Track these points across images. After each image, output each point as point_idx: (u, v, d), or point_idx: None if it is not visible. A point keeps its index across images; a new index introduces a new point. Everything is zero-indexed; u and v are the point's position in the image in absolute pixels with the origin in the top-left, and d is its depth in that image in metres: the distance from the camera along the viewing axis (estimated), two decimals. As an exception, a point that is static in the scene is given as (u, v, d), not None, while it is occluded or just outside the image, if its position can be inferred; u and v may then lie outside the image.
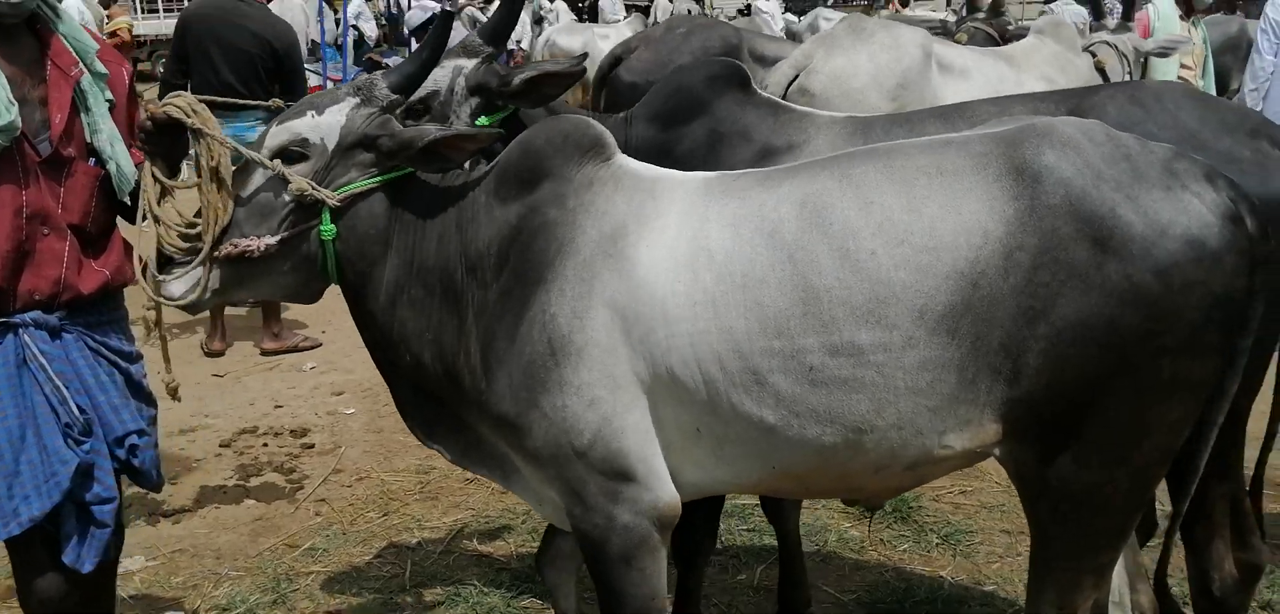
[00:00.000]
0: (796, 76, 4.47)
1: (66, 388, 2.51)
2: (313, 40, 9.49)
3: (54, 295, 2.52)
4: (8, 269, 2.45)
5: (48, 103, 2.50)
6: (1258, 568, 2.73)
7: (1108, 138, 2.18)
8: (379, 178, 2.42)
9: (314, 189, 2.37)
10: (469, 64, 2.90)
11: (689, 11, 12.69)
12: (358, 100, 2.45)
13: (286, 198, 2.38)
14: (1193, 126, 2.60)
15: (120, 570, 3.93)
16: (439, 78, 2.89)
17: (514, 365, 2.34)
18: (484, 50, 2.92)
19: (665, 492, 2.37)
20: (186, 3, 5.99)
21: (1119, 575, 2.65)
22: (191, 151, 2.41)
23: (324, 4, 11.29)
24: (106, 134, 2.54)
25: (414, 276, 2.47)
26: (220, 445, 5.19)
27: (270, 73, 6.01)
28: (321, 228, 2.42)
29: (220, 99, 5.35)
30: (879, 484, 2.37)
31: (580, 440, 2.32)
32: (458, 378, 2.46)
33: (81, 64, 2.54)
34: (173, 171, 2.46)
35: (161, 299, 2.43)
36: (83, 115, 2.55)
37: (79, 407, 2.51)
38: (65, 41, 2.54)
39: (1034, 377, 2.11)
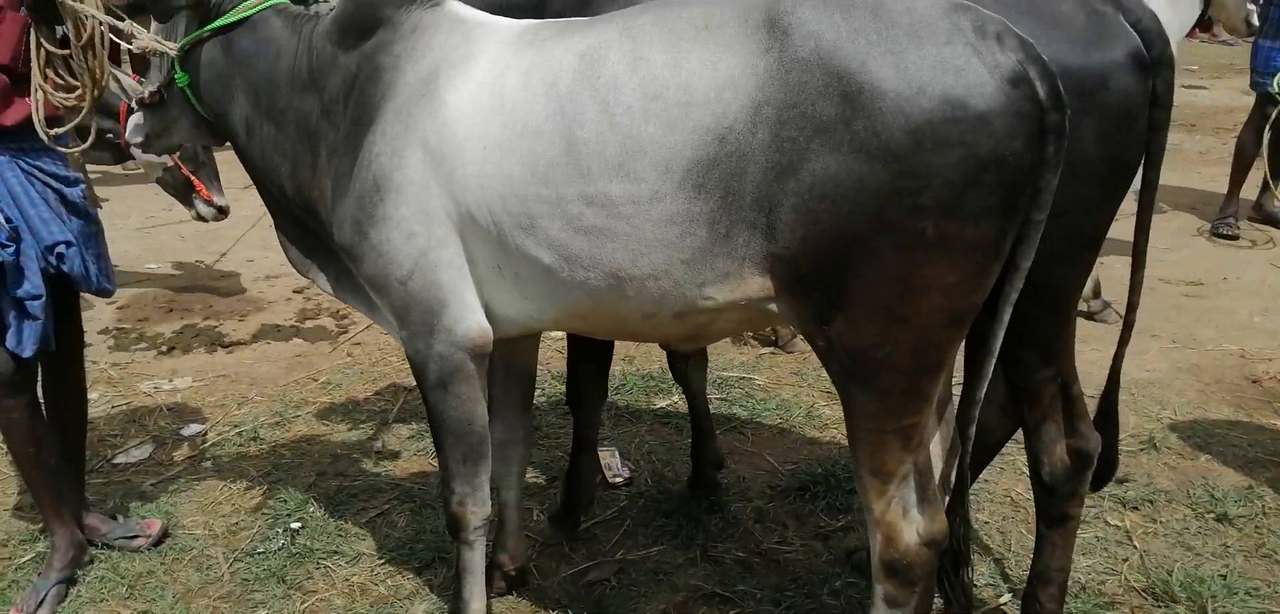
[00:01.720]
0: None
1: None
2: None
3: None
4: None
5: None
6: (1088, 456, 2.65)
7: None
8: (207, 28, 2.69)
9: (157, 42, 2.70)
10: None
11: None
12: None
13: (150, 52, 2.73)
14: (1031, -12, 2.49)
15: (167, 386, 4.57)
16: None
17: (351, 200, 2.57)
18: None
19: (476, 323, 2.56)
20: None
21: (933, 447, 2.64)
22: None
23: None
24: None
25: (264, 117, 2.74)
26: (293, 291, 5.74)
27: None
28: (176, 75, 2.76)
29: None
30: (654, 330, 2.46)
31: (401, 271, 2.54)
32: (315, 210, 2.74)
33: None
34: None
35: (52, 143, 2.90)
36: None
37: (7, 218, 2.96)
38: None
39: (788, 231, 2.12)
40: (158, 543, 3.44)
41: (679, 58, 2.20)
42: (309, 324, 5.33)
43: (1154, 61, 2.40)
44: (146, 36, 2.70)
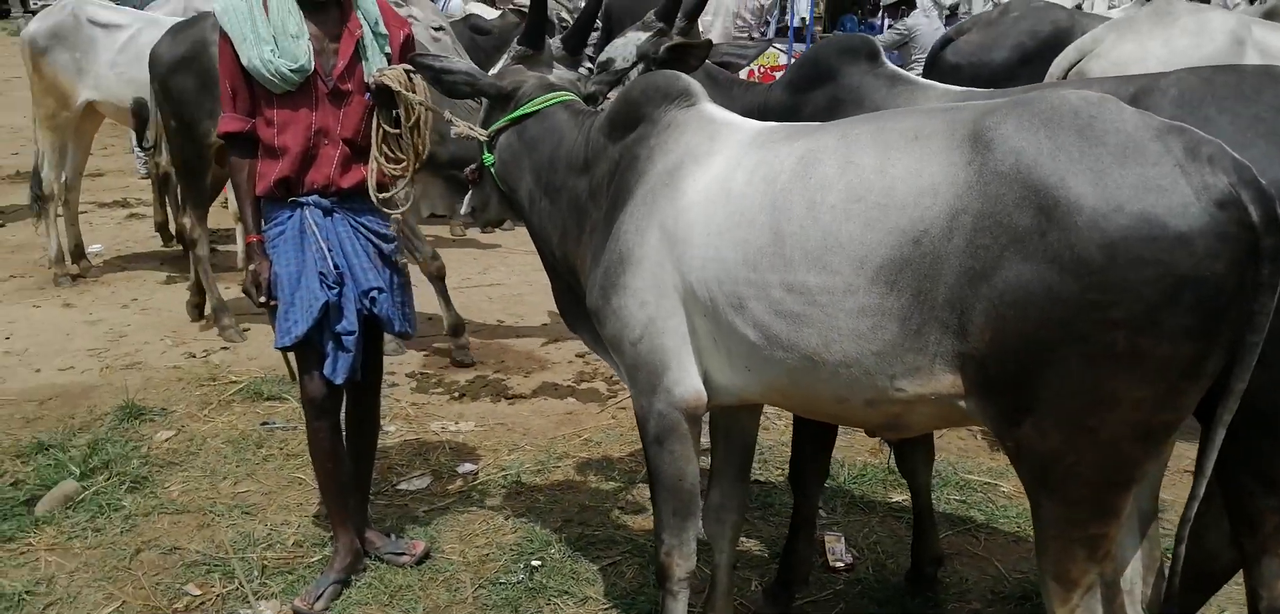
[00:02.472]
0: (1080, 60, 4.35)
1: (329, 250, 3.51)
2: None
3: (326, 186, 3.52)
4: (298, 166, 3.49)
5: (338, 53, 3.51)
6: (1312, 595, 2.49)
7: (1100, 114, 2.16)
8: (507, 117, 3.14)
9: (470, 129, 3.18)
10: (641, 36, 3.48)
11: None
12: (509, 57, 3.19)
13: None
14: (1267, 113, 2.41)
15: (453, 427, 5.10)
16: (618, 46, 3.51)
17: (601, 269, 2.90)
18: (655, 25, 3.48)
19: (692, 387, 2.79)
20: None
21: (1134, 565, 2.55)
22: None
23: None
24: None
25: (543, 192, 3.15)
26: (576, 355, 6.19)
27: None
28: (484, 157, 3.21)
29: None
30: (848, 414, 2.58)
31: (633, 334, 2.82)
32: (577, 274, 3.10)
33: (365, 25, 3.52)
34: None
35: (380, 206, 3.50)
36: (363, 62, 3.53)
37: (335, 264, 3.50)
38: (357, 10, 3.54)
39: (979, 333, 2.20)
40: (420, 562, 3.88)
41: (886, 163, 2.34)
42: (583, 386, 5.75)
43: None
44: (462, 124, 3.20)
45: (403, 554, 3.91)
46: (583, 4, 5.88)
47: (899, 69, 3.22)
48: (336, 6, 3.53)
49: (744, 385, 2.73)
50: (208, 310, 6.65)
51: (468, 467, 4.73)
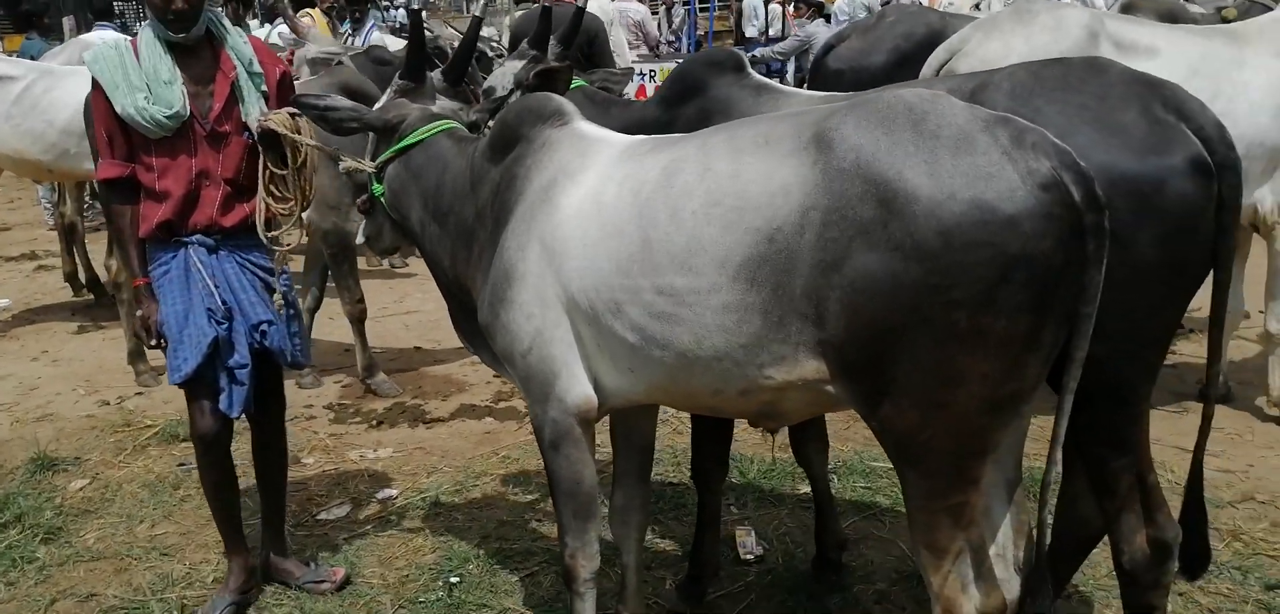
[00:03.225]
0: (949, 60, 4.57)
1: (216, 287, 3.56)
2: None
3: (209, 226, 3.59)
4: (180, 209, 3.55)
5: (213, 95, 3.57)
6: (1166, 546, 2.69)
7: (933, 109, 2.32)
8: (391, 149, 3.24)
9: (356, 162, 3.27)
10: (517, 65, 3.62)
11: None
12: (392, 91, 3.30)
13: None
14: (1091, 101, 2.61)
15: (372, 455, 5.16)
16: (497, 76, 3.64)
17: (490, 286, 3.01)
18: (530, 53, 3.62)
19: (583, 392, 2.90)
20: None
21: (1005, 530, 2.74)
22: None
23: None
24: (255, 116, 3.58)
25: (432, 218, 3.25)
26: (493, 376, 6.26)
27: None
28: (374, 188, 3.31)
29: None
30: (725, 405, 2.72)
31: (521, 346, 2.94)
32: (470, 293, 3.21)
33: (238, 66, 3.60)
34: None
35: (268, 242, 3.57)
36: (240, 103, 3.60)
37: (223, 300, 3.56)
38: (230, 51, 3.62)
39: (835, 321, 2.35)
40: (340, 588, 3.94)
41: (739, 168, 2.50)
42: (501, 405, 5.84)
43: (1218, 166, 2.49)
44: (349, 159, 3.29)
45: (323, 582, 3.97)
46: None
47: (765, 79, 3.39)
48: (208, 49, 3.60)
49: (630, 386, 2.86)
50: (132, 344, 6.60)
51: (387, 492, 4.80)
